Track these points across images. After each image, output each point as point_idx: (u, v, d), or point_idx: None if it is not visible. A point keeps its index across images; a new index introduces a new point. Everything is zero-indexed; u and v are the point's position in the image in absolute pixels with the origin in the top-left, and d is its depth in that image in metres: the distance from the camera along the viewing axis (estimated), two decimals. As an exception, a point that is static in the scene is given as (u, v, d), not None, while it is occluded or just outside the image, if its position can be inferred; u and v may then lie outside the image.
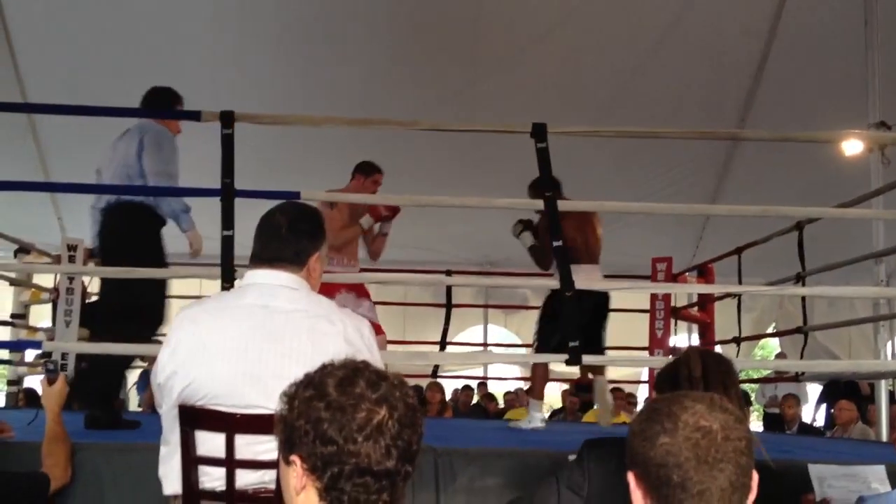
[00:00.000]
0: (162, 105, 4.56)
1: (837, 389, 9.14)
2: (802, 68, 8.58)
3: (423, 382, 9.26)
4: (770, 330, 10.46)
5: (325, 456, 1.38)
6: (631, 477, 1.45)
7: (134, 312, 4.34)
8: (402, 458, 1.40)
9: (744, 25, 8.54)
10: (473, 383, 10.87)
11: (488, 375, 11.30)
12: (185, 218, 4.49)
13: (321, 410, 1.39)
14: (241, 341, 2.19)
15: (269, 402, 2.12)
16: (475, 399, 10.73)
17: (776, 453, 3.77)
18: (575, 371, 6.14)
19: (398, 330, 9.85)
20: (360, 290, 5.49)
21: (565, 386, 10.25)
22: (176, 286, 6.49)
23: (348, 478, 1.38)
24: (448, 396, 10.23)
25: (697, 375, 2.34)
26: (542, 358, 5.15)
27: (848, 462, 3.31)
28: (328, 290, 5.02)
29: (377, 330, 5.30)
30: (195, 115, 4.01)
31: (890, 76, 6.40)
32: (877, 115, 6.12)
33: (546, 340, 5.17)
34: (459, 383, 10.94)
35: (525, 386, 10.53)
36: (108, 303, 4.64)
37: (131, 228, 4.42)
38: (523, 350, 9.67)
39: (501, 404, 10.78)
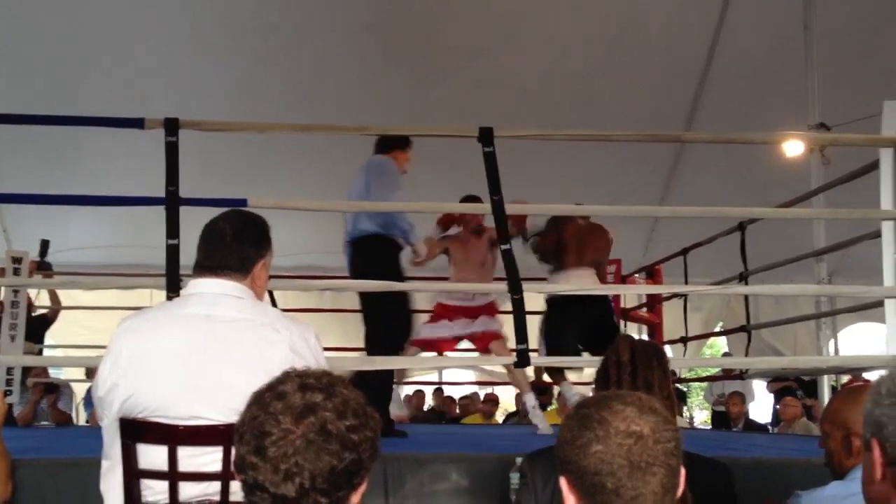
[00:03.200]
0: (390, 147, 5.09)
1: (786, 386, 9.27)
2: (745, 71, 8.73)
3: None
4: (718, 329, 10.60)
5: (238, 458, 1.38)
6: (563, 482, 1.44)
7: (390, 328, 4.90)
8: (307, 489, 1.34)
9: (689, 29, 8.67)
10: (429, 389, 10.86)
11: (443, 380, 11.31)
12: (413, 236, 4.98)
13: (251, 412, 1.40)
14: (183, 351, 2.17)
15: (212, 413, 2.12)
16: (429, 404, 10.74)
17: (722, 450, 3.85)
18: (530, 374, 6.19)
19: (353, 336, 9.78)
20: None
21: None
22: (124, 297, 6.44)
23: (251, 490, 1.37)
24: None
25: (626, 359, 2.41)
26: (490, 362, 5.17)
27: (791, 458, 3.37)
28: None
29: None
30: (138, 123, 3.95)
31: (829, 78, 6.54)
32: (816, 117, 6.24)
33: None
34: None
35: (479, 390, 10.58)
36: (371, 325, 5.06)
37: (372, 258, 4.89)
38: (476, 354, 9.68)
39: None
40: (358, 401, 1.44)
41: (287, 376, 1.45)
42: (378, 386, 4.80)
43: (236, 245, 2.33)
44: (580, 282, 5.20)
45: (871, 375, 5.98)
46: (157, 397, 2.15)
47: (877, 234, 4.11)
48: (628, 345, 2.49)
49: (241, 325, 2.23)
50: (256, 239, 2.38)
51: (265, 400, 1.40)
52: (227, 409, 2.06)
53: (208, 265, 2.32)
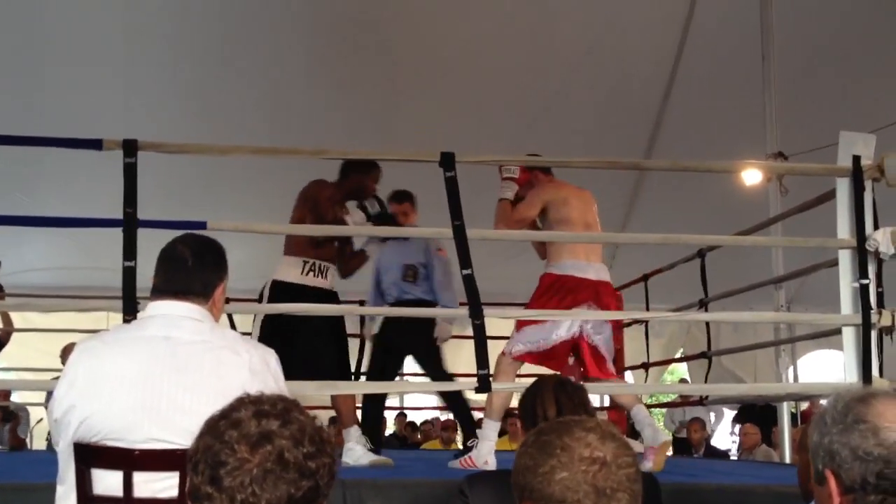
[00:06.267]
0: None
1: (752, 413, 9.27)
2: (704, 101, 8.84)
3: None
4: (679, 355, 10.67)
5: (192, 488, 1.35)
6: None
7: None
8: None
9: (648, 56, 8.77)
10: (391, 413, 10.78)
11: (405, 405, 11.24)
12: None
13: (205, 441, 1.37)
14: (141, 374, 2.14)
15: (170, 437, 2.09)
16: (390, 429, 10.65)
17: (683, 476, 3.85)
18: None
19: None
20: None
21: (480, 415, 10.24)
22: (80, 320, 6.32)
23: None
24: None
25: (552, 415, 2.40)
26: (453, 386, 5.15)
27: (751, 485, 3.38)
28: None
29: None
30: (96, 144, 3.89)
31: (786, 108, 6.62)
32: (775, 146, 6.32)
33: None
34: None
35: (440, 415, 10.52)
36: None
37: None
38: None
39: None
40: (314, 426, 1.41)
41: (241, 402, 1.42)
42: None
43: (197, 269, 2.32)
44: None
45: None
46: (113, 420, 2.11)
47: (834, 263, 4.15)
48: (553, 398, 2.48)
49: (199, 347, 2.21)
50: (216, 263, 2.38)
51: (220, 428, 1.38)
52: (184, 432, 2.02)
53: (169, 290, 2.30)
